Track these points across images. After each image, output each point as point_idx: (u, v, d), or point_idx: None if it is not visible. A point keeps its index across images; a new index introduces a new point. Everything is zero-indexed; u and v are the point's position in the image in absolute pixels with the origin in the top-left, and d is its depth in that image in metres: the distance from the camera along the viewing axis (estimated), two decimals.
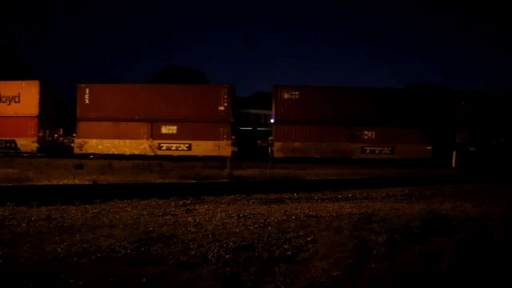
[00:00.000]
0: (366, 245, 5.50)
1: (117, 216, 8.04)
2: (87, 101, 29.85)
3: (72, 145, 30.06)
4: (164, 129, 29.54)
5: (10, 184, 12.14)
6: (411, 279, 4.26)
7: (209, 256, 5.19)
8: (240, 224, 7.26)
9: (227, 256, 5.21)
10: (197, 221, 7.56)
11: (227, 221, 7.57)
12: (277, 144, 29.42)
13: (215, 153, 28.35)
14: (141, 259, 5.00)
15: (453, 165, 26.39)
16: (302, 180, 15.72)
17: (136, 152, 29.02)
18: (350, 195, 12.14)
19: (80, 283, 4.28)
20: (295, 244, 5.76)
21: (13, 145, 30.27)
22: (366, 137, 29.81)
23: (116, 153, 28.88)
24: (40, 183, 12.98)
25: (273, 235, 6.35)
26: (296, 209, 9.12)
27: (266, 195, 11.69)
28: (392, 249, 5.30)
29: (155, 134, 29.46)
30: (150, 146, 29.35)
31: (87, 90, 30.02)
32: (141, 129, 29.50)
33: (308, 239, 6.08)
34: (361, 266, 4.68)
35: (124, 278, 4.41)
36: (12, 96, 30.61)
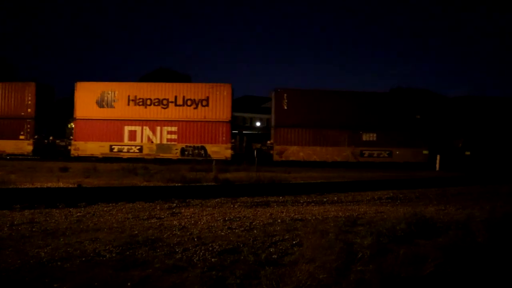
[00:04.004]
0: (352, 248, 5.53)
1: (102, 220, 7.98)
2: (285, 107, 29.20)
3: (272, 152, 29.30)
4: (365, 136, 29.57)
5: None
6: (397, 282, 4.29)
7: (195, 260, 5.17)
8: (226, 227, 7.25)
9: (213, 259, 5.20)
10: (183, 224, 7.54)
11: (212, 224, 7.56)
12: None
13: (413, 159, 28.92)
14: (127, 263, 4.96)
15: (437, 169, 26.69)
16: (288, 183, 15.73)
17: (339, 159, 28.79)
18: (335, 198, 12.19)
19: (65, 287, 4.23)
20: (281, 248, 5.78)
21: (202, 152, 28.54)
22: None
23: (318, 160, 28.53)
24: (23, 186, 12.81)
25: (259, 238, 6.36)
26: (282, 212, 9.15)
27: (252, 198, 11.67)
28: (378, 252, 5.33)
29: (356, 141, 29.41)
30: (353, 154, 29.20)
31: (285, 95, 29.32)
32: (341, 136, 29.25)
33: (294, 242, 6.10)
34: (347, 269, 4.69)
35: (110, 283, 4.36)
36: (199, 100, 28.78)
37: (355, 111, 29.38)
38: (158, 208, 9.63)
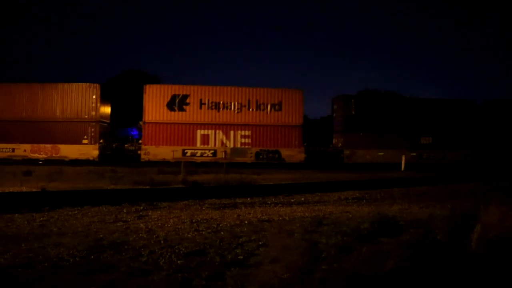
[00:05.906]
0: (317, 247, 5.64)
1: (67, 224, 7.84)
2: (353, 112, 30.42)
3: (342, 155, 30.19)
4: (422, 140, 31.40)
5: None
6: (360, 280, 4.39)
7: (160, 262, 5.15)
8: (193, 229, 7.25)
9: (179, 261, 5.19)
10: (149, 227, 7.49)
11: (179, 226, 7.54)
12: None
13: (464, 159, 30.77)
14: (91, 267, 4.91)
15: (402, 169, 27.28)
16: (256, 184, 15.80)
17: (400, 161, 29.92)
18: (302, 199, 12.31)
19: None
20: (247, 248, 5.82)
21: (276, 155, 28.49)
22: None
23: (382, 162, 29.60)
24: None
25: (225, 239, 6.38)
26: (249, 213, 9.20)
27: (220, 200, 11.67)
28: (342, 251, 5.45)
29: (414, 144, 31.08)
30: (412, 156, 30.37)
31: (352, 101, 30.62)
32: (402, 140, 30.66)
33: (260, 243, 6.15)
34: (311, 268, 4.78)
35: (73, 287, 4.31)
36: (272, 104, 28.84)
37: (414, 116, 31.26)
38: (125, 211, 9.52)
